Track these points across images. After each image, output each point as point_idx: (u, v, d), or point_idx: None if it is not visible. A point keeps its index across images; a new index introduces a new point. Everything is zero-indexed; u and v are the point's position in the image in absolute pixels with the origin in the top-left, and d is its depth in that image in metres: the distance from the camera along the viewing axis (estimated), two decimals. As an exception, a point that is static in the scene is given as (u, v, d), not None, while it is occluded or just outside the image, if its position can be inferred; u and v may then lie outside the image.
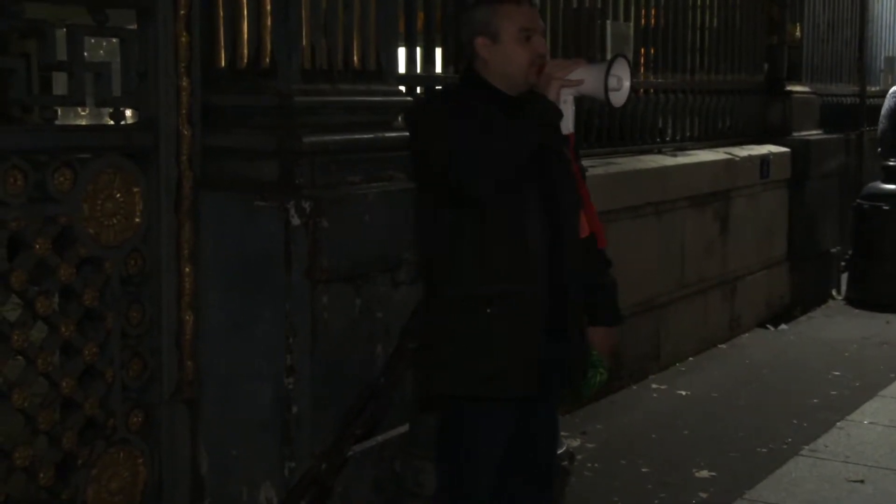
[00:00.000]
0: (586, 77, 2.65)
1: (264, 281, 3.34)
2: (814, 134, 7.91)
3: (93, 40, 3.24)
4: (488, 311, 2.70)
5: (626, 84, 2.69)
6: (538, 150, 2.67)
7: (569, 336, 2.83)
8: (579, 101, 2.78)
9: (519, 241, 2.71)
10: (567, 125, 2.68)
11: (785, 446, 4.79)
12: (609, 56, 5.74)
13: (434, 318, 2.83)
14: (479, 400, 2.77)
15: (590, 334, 2.99)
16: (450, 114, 2.73)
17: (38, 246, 2.93)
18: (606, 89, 2.63)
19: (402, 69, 4.26)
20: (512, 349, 2.73)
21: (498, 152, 2.62)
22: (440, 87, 4.53)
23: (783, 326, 7.21)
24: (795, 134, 7.66)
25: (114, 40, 3.31)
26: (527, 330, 2.74)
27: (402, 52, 4.29)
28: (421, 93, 4.48)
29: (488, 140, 2.62)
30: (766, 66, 7.69)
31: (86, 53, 3.24)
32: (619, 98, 2.69)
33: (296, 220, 3.28)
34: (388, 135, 3.62)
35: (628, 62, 2.71)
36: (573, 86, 2.66)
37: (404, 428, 3.55)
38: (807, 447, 4.76)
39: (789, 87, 7.73)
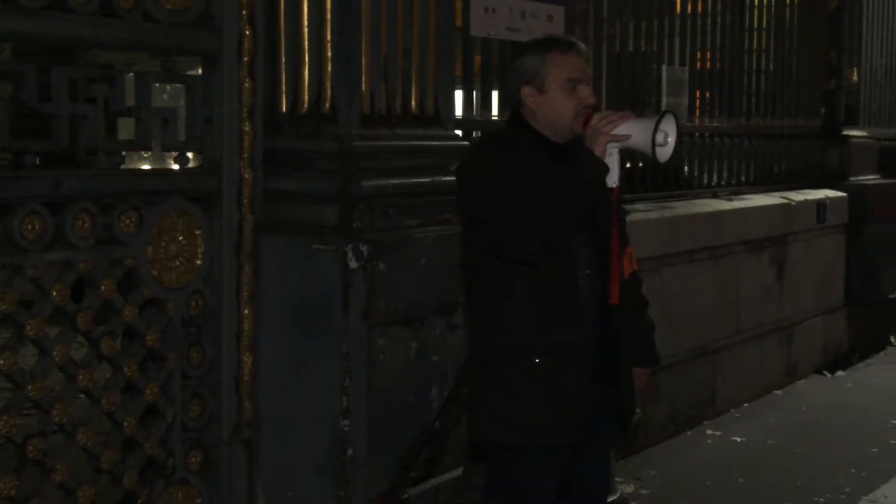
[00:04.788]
0: (633, 132, 2.64)
1: (322, 323, 3.38)
2: (872, 179, 7.84)
3: (157, 85, 3.30)
4: (537, 360, 2.70)
5: (672, 140, 2.67)
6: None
7: (620, 381, 2.82)
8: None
9: (570, 293, 2.72)
10: (612, 178, 2.66)
11: (843, 496, 4.71)
12: (663, 105, 5.76)
13: (483, 366, 2.82)
14: (529, 448, 2.75)
15: None
16: (497, 167, 2.70)
17: (104, 287, 2.97)
18: (654, 145, 2.63)
19: (459, 113, 4.30)
20: (562, 399, 2.72)
21: (546, 215, 2.60)
22: (487, 133, 4.46)
23: (840, 373, 7.11)
24: (853, 178, 7.61)
25: (178, 85, 3.39)
26: (577, 379, 2.73)
27: (459, 96, 4.33)
28: (477, 137, 4.51)
29: (536, 200, 2.60)
30: (823, 110, 7.67)
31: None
32: (664, 153, 2.67)
33: (354, 264, 3.31)
34: (445, 179, 3.64)
35: (676, 118, 2.69)
36: (620, 141, 2.64)
37: (459, 471, 3.55)
38: (866, 497, 4.68)
39: (847, 132, 7.68)
